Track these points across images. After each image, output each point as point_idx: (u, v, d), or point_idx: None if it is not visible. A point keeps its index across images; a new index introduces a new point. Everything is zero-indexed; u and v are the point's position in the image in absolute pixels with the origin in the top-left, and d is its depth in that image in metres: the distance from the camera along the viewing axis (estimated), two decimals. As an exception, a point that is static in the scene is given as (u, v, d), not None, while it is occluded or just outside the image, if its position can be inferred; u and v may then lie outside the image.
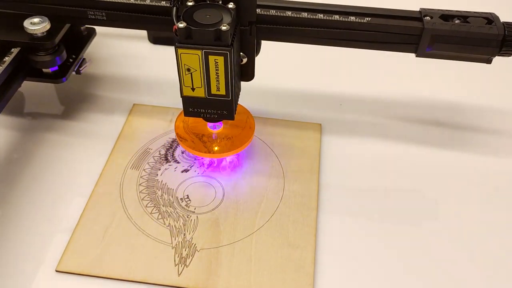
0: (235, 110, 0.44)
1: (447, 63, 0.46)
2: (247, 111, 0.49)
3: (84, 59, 0.51)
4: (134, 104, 0.54)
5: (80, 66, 0.50)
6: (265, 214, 0.44)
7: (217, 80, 0.40)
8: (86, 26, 0.52)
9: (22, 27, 0.45)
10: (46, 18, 0.46)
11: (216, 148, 0.46)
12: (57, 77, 0.48)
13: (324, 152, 0.50)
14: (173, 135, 0.51)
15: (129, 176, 0.47)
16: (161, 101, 0.54)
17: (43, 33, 0.46)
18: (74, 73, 0.50)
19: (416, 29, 0.43)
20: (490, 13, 0.44)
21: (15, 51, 0.46)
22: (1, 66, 0.44)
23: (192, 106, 0.42)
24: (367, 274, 0.41)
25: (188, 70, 0.39)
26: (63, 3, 0.46)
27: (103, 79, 0.58)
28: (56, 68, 0.48)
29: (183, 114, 0.44)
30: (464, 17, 0.44)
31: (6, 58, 0.45)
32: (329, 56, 0.59)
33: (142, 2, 0.45)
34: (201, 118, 0.45)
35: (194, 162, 0.48)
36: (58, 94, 0.56)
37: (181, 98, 0.42)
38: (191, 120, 0.48)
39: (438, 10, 0.44)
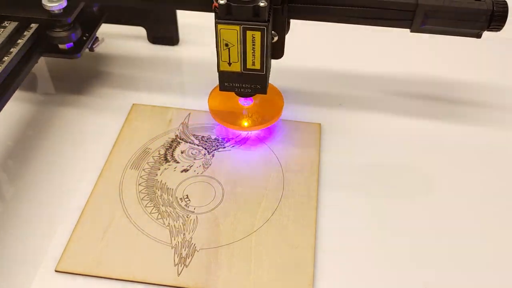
0: (268, 84, 0.46)
1: (441, 39, 0.47)
2: (275, 88, 0.52)
3: (97, 37, 0.54)
4: (133, 104, 0.54)
5: (93, 44, 0.53)
6: (264, 214, 0.44)
7: (253, 55, 0.42)
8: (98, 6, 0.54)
9: (40, 5, 0.48)
10: None
11: (246, 124, 0.49)
12: (72, 53, 0.51)
13: (323, 151, 0.50)
14: (172, 135, 0.51)
15: (128, 176, 0.47)
16: (160, 101, 0.54)
17: (59, 10, 0.48)
18: (87, 50, 0.52)
19: (410, 5, 0.45)
20: None
21: (33, 27, 0.48)
22: (21, 41, 0.47)
23: (228, 80, 0.45)
24: (367, 273, 0.41)
25: (226, 45, 0.42)
26: None
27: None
28: (71, 44, 0.51)
29: (215, 91, 0.47)
30: None
31: (25, 34, 0.47)
32: (328, 50, 0.59)
33: None
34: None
35: (194, 162, 0.48)
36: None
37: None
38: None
39: None
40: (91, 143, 0.50)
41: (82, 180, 0.47)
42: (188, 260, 0.41)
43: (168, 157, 0.49)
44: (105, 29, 0.54)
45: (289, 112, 0.53)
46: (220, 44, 0.42)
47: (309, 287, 0.39)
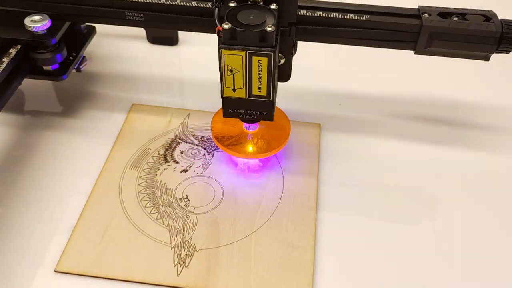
0: (274, 111, 0.44)
1: (445, 60, 0.46)
2: (282, 112, 0.49)
3: (84, 57, 0.51)
4: (133, 104, 0.54)
5: (80, 64, 0.51)
6: (264, 214, 0.44)
7: (259, 81, 0.40)
8: (86, 24, 0.52)
9: (23, 25, 0.45)
10: (47, 16, 0.46)
11: (251, 149, 0.46)
12: (57, 74, 0.49)
13: (323, 152, 0.50)
14: (172, 135, 0.51)
15: (128, 176, 0.47)
16: (160, 101, 0.54)
17: (43, 30, 0.46)
18: (74, 70, 0.50)
19: (414, 27, 0.43)
20: (488, 11, 0.44)
21: (16, 48, 0.46)
22: (2, 64, 0.44)
23: (232, 107, 0.42)
24: (367, 273, 0.41)
25: (231, 71, 0.39)
26: (104, 4, 0.46)
27: (103, 77, 0.58)
28: (56, 66, 0.48)
29: (217, 115, 0.44)
30: (462, 14, 0.44)
31: (7, 56, 0.45)
32: (327, 55, 0.59)
33: (180, 4, 0.45)
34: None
35: (193, 162, 0.48)
36: (58, 92, 0.56)
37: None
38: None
39: (436, 7, 0.44)
40: (91, 141, 0.50)
41: (82, 180, 0.46)
42: (187, 260, 0.41)
43: (168, 157, 0.49)
44: (104, 29, 0.53)
45: (289, 112, 0.53)
46: (224, 70, 0.39)
47: (309, 287, 0.39)
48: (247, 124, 0.47)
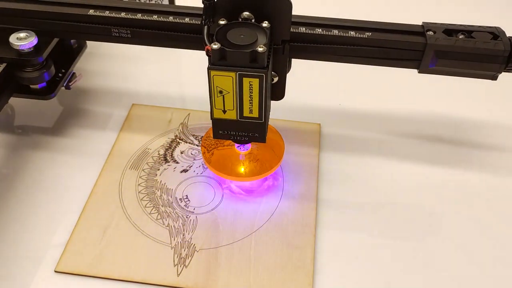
0: (266, 132, 0.42)
1: (450, 78, 0.44)
2: (276, 130, 0.48)
3: (74, 73, 0.49)
4: (133, 104, 0.54)
5: (69, 81, 0.48)
6: (264, 214, 0.44)
7: (250, 103, 0.38)
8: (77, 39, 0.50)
9: (8, 43, 0.43)
10: (33, 33, 0.44)
11: (243, 172, 0.45)
12: (45, 93, 0.47)
13: (323, 151, 0.50)
14: (172, 135, 0.51)
15: (128, 176, 0.47)
16: (160, 101, 0.54)
17: (29, 48, 0.44)
18: (63, 88, 0.48)
19: (418, 45, 0.41)
20: (496, 27, 0.42)
21: (0, 67, 0.43)
22: None
23: (222, 128, 0.41)
24: (366, 274, 0.41)
25: (220, 92, 0.38)
26: (89, 21, 0.45)
27: (102, 78, 0.57)
28: (44, 84, 0.46)
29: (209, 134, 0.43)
30: (468, 31, 0.41)
31: None
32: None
33: (168, 20, 0.44)
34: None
35: (193, 162, 0.48)
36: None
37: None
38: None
39: (442, 24, 0.42)
40: (91, 143, 0.50)
41: (82, 181, 0.46)
42: (187, 261, 0.41)
43: (168, 157, 0.49)
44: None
45: (289, 112, 0.53)
46: (214, 91, 0.37)
47: (309, 287, 0.39)
48: (238, 144, 0.46)
